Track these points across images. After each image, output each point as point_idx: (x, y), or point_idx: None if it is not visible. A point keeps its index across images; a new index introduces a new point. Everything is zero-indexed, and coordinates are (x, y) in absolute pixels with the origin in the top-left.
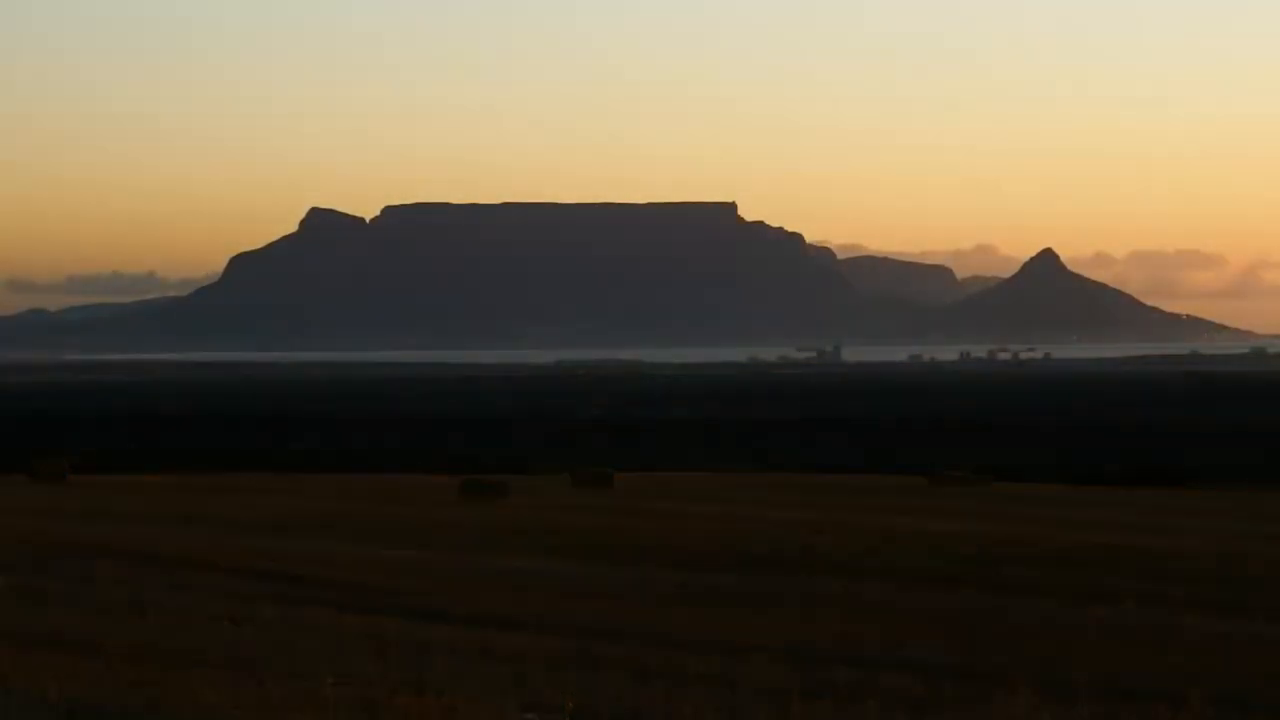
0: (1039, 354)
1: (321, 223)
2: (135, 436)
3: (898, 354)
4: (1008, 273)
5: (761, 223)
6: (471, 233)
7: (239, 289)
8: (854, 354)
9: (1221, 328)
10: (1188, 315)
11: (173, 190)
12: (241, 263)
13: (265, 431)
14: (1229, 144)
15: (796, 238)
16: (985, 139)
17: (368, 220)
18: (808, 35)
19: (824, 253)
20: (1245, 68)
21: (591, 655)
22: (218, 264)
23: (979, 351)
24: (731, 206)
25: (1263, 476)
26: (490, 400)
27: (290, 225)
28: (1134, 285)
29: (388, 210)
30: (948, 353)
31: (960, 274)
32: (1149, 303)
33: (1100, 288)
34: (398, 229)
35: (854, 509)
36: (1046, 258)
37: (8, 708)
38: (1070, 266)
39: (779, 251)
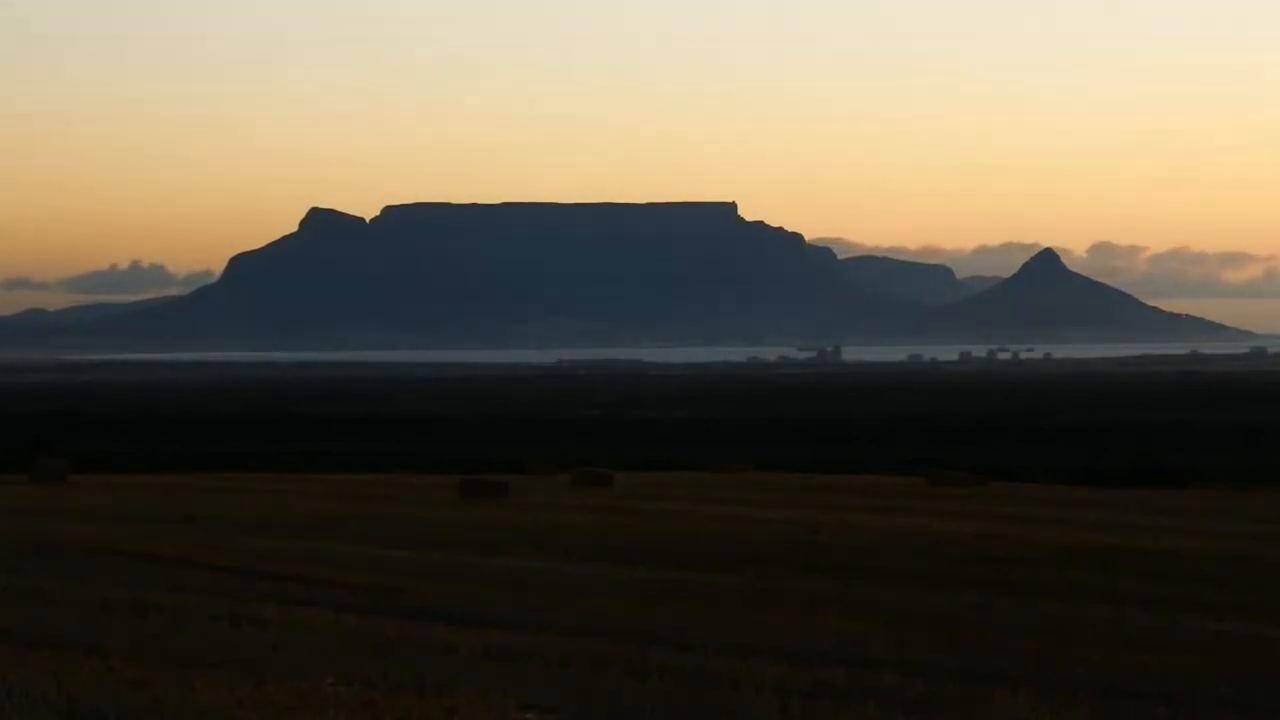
0: (1039, 354)
1: (321, 223)
2: (136, 436)
3: (898, 354)
4: (1008, 273)
5: (761, 223)
6: (471, 233)
7: (239, 289)
8: (854, 354)
9: (1221, 328)
10: (1187, 315)
11: (173, 190)
12: (241, 263)
13: (264, 431)
14: (1231, 143)
15: (796, 238)
16: (985, 138)
17: (368, 220)
18: (808, 34)
19: (824, 253)
20: (1245, 66)
21: (591, 655)
22: (218, 264)
23: (979, 351)
24: (731, 206)
25: (1263, 476)
26: (490, 400)
27: (290, 225)
28: (1134, 285)
29: (388, 210)
30: (948, 352)
31: (960, 274)
32: (1149, 303)
33: (1100, 287)
34: (398, 229)
35: (854, 509)
36: (1046, 258)
37: (7, 708)
38: (1070, 266)
39: (779, 251)
